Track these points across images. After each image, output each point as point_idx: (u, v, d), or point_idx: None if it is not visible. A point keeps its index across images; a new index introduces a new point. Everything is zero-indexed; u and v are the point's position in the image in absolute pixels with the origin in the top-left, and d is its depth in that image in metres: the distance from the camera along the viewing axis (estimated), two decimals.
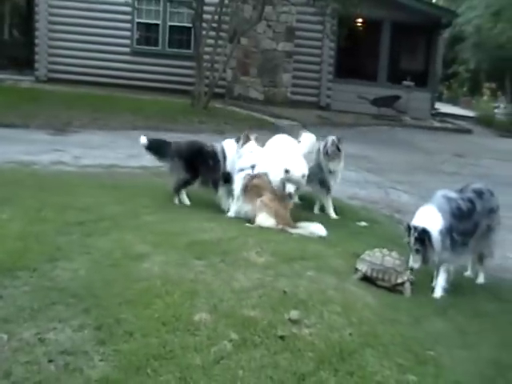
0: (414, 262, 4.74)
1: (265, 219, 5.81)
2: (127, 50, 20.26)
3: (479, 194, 5.15)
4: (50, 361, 3.10)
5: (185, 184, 6.64)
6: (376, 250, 4.75)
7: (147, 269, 4.34)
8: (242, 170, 6.21)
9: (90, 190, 6.58)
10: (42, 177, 7.39)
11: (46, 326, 3.41)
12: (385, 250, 4.72)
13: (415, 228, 4.67)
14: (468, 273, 5.44)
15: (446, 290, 4.80)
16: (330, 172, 6.79)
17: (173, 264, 4.44)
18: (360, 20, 21.40)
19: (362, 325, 3.76)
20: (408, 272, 4.59)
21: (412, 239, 4.68)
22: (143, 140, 6.70)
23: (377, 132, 16.39)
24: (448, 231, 4.76)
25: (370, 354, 3.44)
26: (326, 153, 6.73)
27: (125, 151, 9.96)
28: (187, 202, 6.62)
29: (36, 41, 20.01)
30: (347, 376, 3.20)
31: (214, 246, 4.88)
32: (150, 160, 9.25)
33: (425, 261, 4.76)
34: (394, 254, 4.69)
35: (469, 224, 4.99)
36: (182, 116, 14.42)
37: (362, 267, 4.63)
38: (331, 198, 6.88)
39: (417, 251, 4.70)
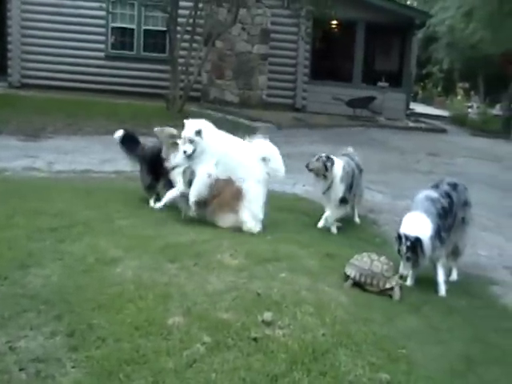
0: (405, 268, 4.81)
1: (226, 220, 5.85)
2: (102, 54, 20.13)
3: (454, 186, 5.30)
4: (21, 369, 3.08)
5: (149, 188, 6.66)
6: (364, 254, 4.76)
7: (120, 273, 4.33)
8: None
9: (63, 196, 6.53)
10: (14, 183, 7.32)
11: (16, 334, 3.38)
12: (373, 255, 4.73)
13: (407, 237, 4.73)
14: None
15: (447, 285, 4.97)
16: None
17: (146, 268, 4.43)
18: (334, 22, 21.50)
19: (335, 325, 3.78)
20: (396, 277, 4.62)
21: (404, 248, 4.74)
22: (119, 133, 6.71)
23: (352, 133, 16.46)
24: (437, 233, 4.87)
25: (342, 353, 3.46)
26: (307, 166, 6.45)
27: (98, 156, 9.90)
28: (156, 205, 6.56)
29: (9, 46, 19.78)
30: (320, 376, 3.22)
31: (188, 249, 4.88)
32: (124, 165, 9.25)
33: (415, 267, 4.83)
34: (382, 259, 4.71)
35: (451, 218, 5.14)
36: (156, 120, 14.26)
37: (351, 272, 4.63)
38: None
39: (408, 259, 4.77)
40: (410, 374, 3.37)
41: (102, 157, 9.80)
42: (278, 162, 6.08)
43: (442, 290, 4.91)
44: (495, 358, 3.85)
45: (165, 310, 3.75)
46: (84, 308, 3.74)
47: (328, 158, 6.24)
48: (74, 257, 4.61)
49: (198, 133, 5.89)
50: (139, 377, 3.07)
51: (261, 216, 5.94)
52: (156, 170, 6.57)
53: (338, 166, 6.29)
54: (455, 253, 5.36)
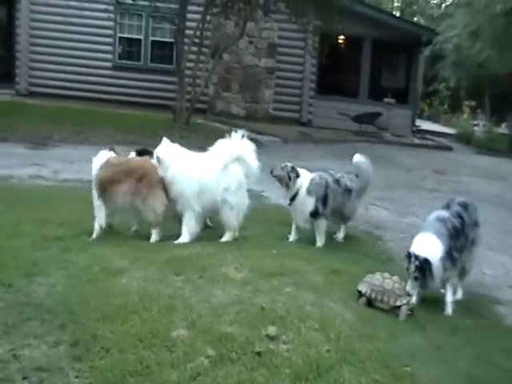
0: (412, 288, 4.78)
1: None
2: (109, 64, 20.23)
3: (465, 206, 5.30)
4: (25, 378, 3.08)
5: None
6: (377, 273, 4.75)
7: (125, 284, 4.33)
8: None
9: (68, 205, 6.55)
10: (20, 191, 7.34)
11: (20, 343, 3.38)
12: (386, 274, 4.72)
13: (416, 256, 4.72)
14: None
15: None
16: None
17: (151, 279, 4.43)
18: (341, 37, 21.60)
19: (339, 341, 3.76)
20: (408, 297, 4.58)
21: (412, 266, 4.73)
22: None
23: (358, 148, 16.33)
24: (448, 254, 4.86)
25: (347, 370, 3.45)
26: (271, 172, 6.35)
27: None
28: None
29: (17, 54, 19.91)
30: None
31: (193, 262, 4.88)
32: None
33: (423, 287, 4.83)
34: (395, 278, 4.69)
35: (463, 239, 5.13)
36: (162, 131, 14.29)
37: (363, 288, 4.62)
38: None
39: (415, 279, 4.76)
40: None
41: None
42: (251, 160, 6.01)
43: (449, 309, 4.90)
44: (498, 378, 3.83)
45: (169, 322, 3.75)
46: (88, 318, 3.74)
47: (293, 168, 6.22)
48: (79, 266, 4.62)
49: (158, 159, 5.82)
50: None
51: (235, 225, 5.93)
52: None
53: (305, 179, 6.24)
54: (462, 273, 5.34)
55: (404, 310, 4.51)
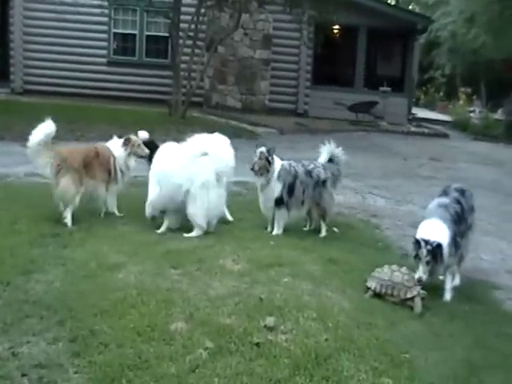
0: (423, 273, 4.72)
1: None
2: (104, 60, 20.18)
3: (462, 192, 5.31)
4: (24, 375, 3.09)
5: None
6: (385, 266, 4.72)
7: (123, 279, 4.35)
8: None
9: None
10: (16, 189, 7.33)
11: (19, 340, 3.40)
12: (394, 266, 4.69)
13: (426, 241, 4.68)
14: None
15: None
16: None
17: (149, 273, 4.45)
18: (336, 27, 21.56)
19: (337, 330, 3.79)
20: (418, 287, 4.55)
21: (424, 251, 4.67)
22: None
23: (354, 138, 16.47)
24: (453, 239, 4.87)
25: (345, 358, 3.47)
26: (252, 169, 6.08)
27: None
28: None
29: (11, 52, 19.84)
30: (323, 381, 3.23)
31: (190, 255, 4.89)
32: None
33: (433, 272, 4.80)
34: (403, 269, 4.67)
35: (464, 224, 5.15)
36: (159, 125, 14.34)
37: (371, 284, 4.61)
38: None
39: (427, 263, 4.69)
40: (412, 379, 3.37)
41: None
42: (222, 155, 5.90)
43: (448, 296, 4.90)
44: (497, 363, 3.84)
45: (167, 316, 3.77)
46: (86, 314, 3.75)
47: (268, 151, 6.08)
48: (77, 262, 4.63)
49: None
50: (141, 382, 3.08)
51: (200, 221, 5.74)
52: None
53: (277, 164, 6.15)
54: (460, 258, 5.35)
55: (418, 302, 4.48)
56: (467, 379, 3.51)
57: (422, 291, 4.54)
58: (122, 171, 6.33)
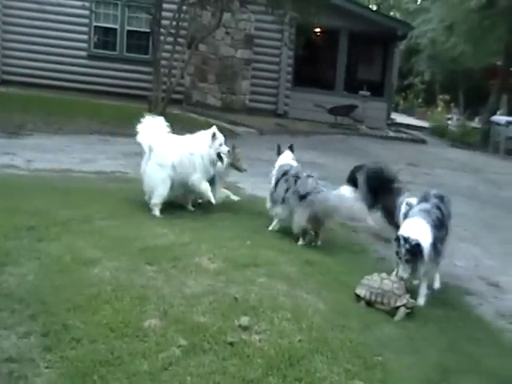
0: (404, 271, 4.74)
1: None
2: (84, 53, 20.01)
3: (441, 198, 5.37)
4: None
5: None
6: (375, 274, 4.71)
7: (97, 274, 4.30)
8: None
9: (41, 195, 6.46)
10: None
11: None
12: (383, 274, 4.69)
13: (406, 239, 4.70)
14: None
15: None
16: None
17: (124, 269, 4.41)
18: (318, 29, 21.60)
19: (311, 331, 3.79)
20: (408, 296, 4.55)
21: (403, 250, 4.69)
22: None
23: (333, 140, 16.56)
24: (433, 245, 4.90)
25: (319, 359, 3.47)
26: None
27: (79, 156, 9.82)
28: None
29: None
30: (296, 382, 3.23)
31: (166, 252, 4.86)
32: (104, 165, 9.20)
33: (415, 271, 4.80)
34: (392, 277, 4.69)
35: (444, 230, 5.20)
36: (138, 121, 14.23)
37: (361, 292, 4.60)
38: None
39: (407, 261, 4.72)
40: (385, 382, 3.39)
41: (82, 156, 9.73)
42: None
43: (422, 300, 4.92)
44: (469, 367, 3.88)
45: (141, 312, 3.74)
46: (59, 308, 3.71)
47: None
48: (51, 256, 4.57)
49: None
50: (114, 379, 3.05)
51: (154, 200, 6.31)
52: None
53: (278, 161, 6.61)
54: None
55: (402, 311, 4.48)
56: (439, 383, 3.54)
57: (411, 300, 4.54)
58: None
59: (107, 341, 3.38)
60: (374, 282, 4.60)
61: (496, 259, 6.77)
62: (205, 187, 6.47)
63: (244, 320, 3.72)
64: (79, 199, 6.53)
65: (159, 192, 6.32)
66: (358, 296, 4.62)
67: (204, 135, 6.48)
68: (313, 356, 3.49)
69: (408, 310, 4.51)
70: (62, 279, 4.16)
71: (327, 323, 3.97)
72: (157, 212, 6.29)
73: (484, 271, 6.25)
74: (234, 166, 6.89)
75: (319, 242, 6.04)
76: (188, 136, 6.64)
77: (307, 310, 4.09)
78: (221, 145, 6.45)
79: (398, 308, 4.50)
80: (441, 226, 5.10)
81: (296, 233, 5.99)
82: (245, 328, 3.66)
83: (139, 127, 6.58)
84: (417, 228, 4.86)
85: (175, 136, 6.66)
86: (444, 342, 4.19)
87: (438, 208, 5.20)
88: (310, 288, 4.55)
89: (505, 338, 4.66)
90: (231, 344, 3.47)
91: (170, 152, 6.39)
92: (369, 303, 4.57)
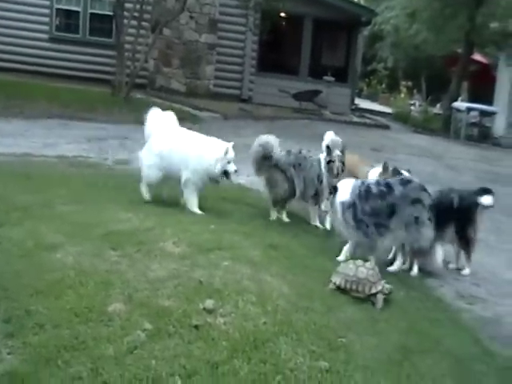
0: (325, 206, 5.86)
1: None
2: (46, 36, 19.60)
3: (405, 182, 5.47)
4: None
5: None
6: (350, 261, 4.74)
7: (60, 259, 4.26)
8: None
9: (1, 180, 6.35)
10: None
11: None
12: (358, 261, 4.70)
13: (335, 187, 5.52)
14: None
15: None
16: None
17: (87, 254, 4.37)
18: (283, 15, 21.57)
19: (276, 314, 3.82)
20: (383, 282, 4.57)
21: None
22: None
23: (297, 125, 16.60)
24: (350, 206, 5.31)
25: (283, 342, 3.50)
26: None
27: (40, 140, 9.67)
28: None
29: None
30: (260, 364, 3.25)
31: (131, 237, 4.83)
32: (66, 149, 9.08)
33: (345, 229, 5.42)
34: (367, 264, 4.71)
35: (376, 203, 5.32)
36: (101, 105, 14.10)
37: (336, 280, 4.60)
38: None
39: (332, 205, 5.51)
40: (348, 362, 3.44)
41: (43, 141, 9.58)
42: None
43: (341, 256, 5.40)
44: (429, 347, 3.97)
45: (106, 297, 3.71)
46: (21, 294, 3.66)
47: None
48: (13, 242, 4.51)
49: None
50: (78, 363, 3.04)
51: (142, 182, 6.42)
52: None
53: None
54: (416, 252, 5.57)
55: (380, 298, 4.51)
56: (401, 363, 3.62)
57: (387, 285, 4.57)
58: None
59: (71, 326, 3.35)
60: (349, 270, 4.60)
61: None
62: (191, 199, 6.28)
63: (209, 303, 3.73)
64: (40, 184, 6.44)
65: (144, 175, 6.38)
66: (333, 284, 4.62)
67: (218, 145, 6.24)
68: (277, 338, 3.52)
69: (385, 296, 4.54)
70: (24, 264, 4.11)
71: (292, 306, 4.00)
72: (144, 194, 6.40)
73: (444, 254, 6.36)
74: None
75: None
76: (202, 137, 6.49)
77: (272, 293, 4.11)
78: (229, 162, 6.17)
79: (372, 295, 4.52)
80: (369, 198, 5.34)
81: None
82: (210, 311, 3.67)
83: (148, 117, 6.58)
84: (347, 184, 5.46)
85: (188, 131, 6.64)
86: (405, 323, 4.27)
87: (388, 186, 5.37)
88: (275, 271, 4.57)
89: (463, 318, 4.82)
90: (196, 327, 3.47)
91: (162, 141, 6.35)
92: (344, 291, 4.57)
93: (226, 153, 6.10)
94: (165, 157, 6.27)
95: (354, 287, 4.56)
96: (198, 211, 6.17)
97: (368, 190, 5.36)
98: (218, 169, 6.09)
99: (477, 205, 5.84)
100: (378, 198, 5.34)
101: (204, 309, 3.69)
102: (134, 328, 3.38)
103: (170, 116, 6.61)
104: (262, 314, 3.77)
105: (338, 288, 4.58)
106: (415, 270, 5.58)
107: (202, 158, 6.14)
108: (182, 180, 6.20)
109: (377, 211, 5.33)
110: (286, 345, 3.47)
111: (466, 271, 5.91)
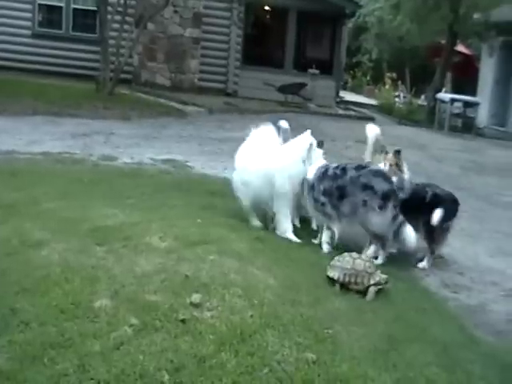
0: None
1: None
2: (28, 32, 19.45)
3: (359, 167, 5.63)
4: None
5: None
6: (345, 254, 4.72)
7: (46, 256, 4.24)
8: None
9: None
10: None
11: None
12: (354, 254, 4.70)
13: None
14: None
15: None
16: None
17: (73, 251, 4.36)
18: (267, 8, 21.55)
19: (263, 306, 3.82)
20: (378, 272, 4.57)
21: None
22: None
23: (283, 118, 16.57)
24: (311, 185, 5.63)
25: (270, 334, 3.51)
26: None
27: (25, 137, 9.61)
28: None
29: None
30: (248, 356, 3.26)
31: (116, 232, 4.82)
32: (52, 146, 9.03)
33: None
34: (363, 256, 4.73)
35: (329, 184, 5.53)
36: (86, 101, 14.03)
37: (334, 274, 4.57)
38: None
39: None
40: (335, 353, 3.45)
41: (28, 138, 9.53)
42: None
43: (324, 248, 5.57)
44: (415, 336, 3.99)
45: (92, 293, 3.71)
46: (7, 292, 3.65)
47: None
48: None
49: None
50: (64, 360, 3.03)
51: None
52: None
53: None
54: (375, 238, 5.59)
55: (372, 291, 4.50)
56: (387, 352, 3.64)
57: (383, 276, 4.57)
58: None
59: (57, 323, 3.34)
60: (346, 263, 4.58)
61: None
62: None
63: (195, 297, 3.73)
64: (26, 181, 6.42)
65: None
66: (330, 278, 4.60)
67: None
68: (264, 331, 3.53)
69: (380, 287, 4.55)
70: (10, 262, 4.10)
71: (278, 298, 4.01)
72: None
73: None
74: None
75: None
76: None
77: (258, 286, 4.12)
78: None
79: (371, 286, 4.51)
80: (324, 178, 5.57)
81: None
82: (196, 305, 3.67)
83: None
84: (314, 167, 5.71)
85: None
86: (392, 313, 4.29)
87: (343, 169, 5.56)
88: (261, 264, 4.58)
89: (448, 307, 4.88)
90: (183, 321, 3.48)
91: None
92: (343, 285, 4.56)
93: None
94: None
95: (352, 280, 4.53)
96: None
97: (325, 172, 5.61)
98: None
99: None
100: (330, 180, 5.54)
101: (191, 303, 3.68)
102: (121, 324, 3.38)
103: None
104: (248, 307, 3.78)
105: (336, 282, 4.57)
106: (380, 258, 5.52)
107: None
108: None
109: (329, 192, 5.52)
110: (272, 337, 3.48)
111: (423, 264, 5.84)
